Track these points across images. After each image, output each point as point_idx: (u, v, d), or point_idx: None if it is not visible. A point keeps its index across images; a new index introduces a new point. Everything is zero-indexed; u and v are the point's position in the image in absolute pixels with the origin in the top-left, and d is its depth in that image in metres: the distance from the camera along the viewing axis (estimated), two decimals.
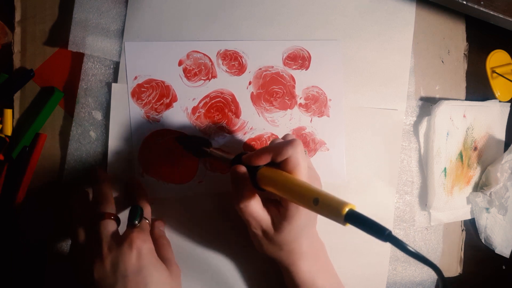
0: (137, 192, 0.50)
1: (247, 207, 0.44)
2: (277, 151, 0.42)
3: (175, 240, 0.53)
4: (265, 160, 0.44)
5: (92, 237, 0.44)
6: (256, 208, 0.44)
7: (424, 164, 0.64)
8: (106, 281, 0.41)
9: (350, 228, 0.58)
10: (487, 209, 0.69)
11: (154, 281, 0.42)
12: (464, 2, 0.60)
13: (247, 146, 0.55)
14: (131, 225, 0.45)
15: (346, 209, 0.34)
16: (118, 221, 0.46)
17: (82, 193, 0.50)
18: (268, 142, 0.55)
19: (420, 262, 0.35)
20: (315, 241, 0.51)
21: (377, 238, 0.33)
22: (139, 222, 0.46)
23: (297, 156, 0.42)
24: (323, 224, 0.54)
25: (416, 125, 0.63)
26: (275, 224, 0.45)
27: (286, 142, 0.42)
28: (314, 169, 0.50)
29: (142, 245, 0.43)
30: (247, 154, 0.46)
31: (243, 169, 0.45)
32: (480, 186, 0.69)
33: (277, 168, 0.43)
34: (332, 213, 0.35)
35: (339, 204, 0.35)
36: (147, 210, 0.49)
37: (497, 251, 0.71)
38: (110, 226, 0.44)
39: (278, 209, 0.45)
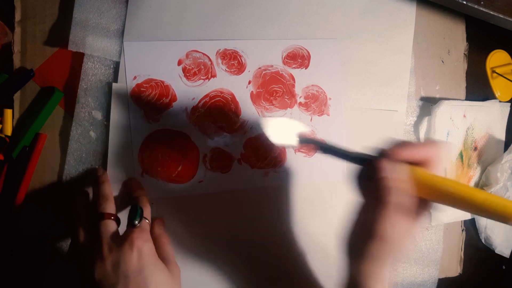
0: (137, 192, 0.50)
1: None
2: (428, 149, 0.39)
3: (175, 240, 0.53)
4: (416, 156, 0.39)
5: (93, 238, 0.44)
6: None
7: None
8: (107, 281, 0.41)
9: None
10: None
11: (155, 281, 0.42)
12: (464, 2, 0.60)
13: (247, 146, 0.55)
14: (131, 225, 0.45)
15: None
16: (118, 221, 0.46)
17: (83, 193, 0.50)
18: (268, 142, 0.55)
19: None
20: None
21: None
22: (139, 222, 0.45)
23: (441, 157, 0.39)
24: (323, 225, 0.54)
25: (417, 125, 0.63)
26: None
27: (433, 143, 0.40)
28: None
29: (143, 245, 0.43)
30: (396, 150, 0.40)
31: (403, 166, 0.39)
32: (480, 186, 0.69)
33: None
34: (500, 215, 0.35)
35: (507, 206, 0.35)
36: (147, 210, 0.49)
37: (497, 251, 0.71)
38: (110, 226, 0.44)
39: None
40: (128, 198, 0.51)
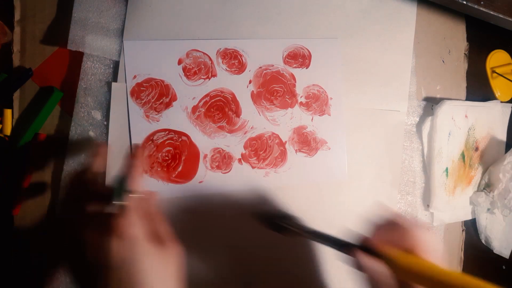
0: (130, 158, 0.44)
1: None
2: (411, 236, 0.39)
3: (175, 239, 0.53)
4: (402, 243, 0.39)
5: (79, 218, 0.40)
6: None
7: (427, 164, 0.63)
8: (91, 266, 0.37)
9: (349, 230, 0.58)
10: (488, 209, 0.69)
11: (143, 269, 0.37)
12: (464, 2, 0.60)
13: (248, 146, 0.55)
14: (117, 205, 0.39)
15: None
16: (106, 201, 0.40)
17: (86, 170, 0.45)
18: (269, 142, 0.55)
19: None
20: None
21: None
22: (125, 201, 0.39)
23: (424, 238, 0.39)
24: (322, 225, 0.54)
25: (419, 125, 0.63)
26: None
27: (413, 223, 0.39)
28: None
29: (129, 230, 0.37)
30: (372, 242, 0.40)
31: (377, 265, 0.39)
32: (482, 187, 0.69)
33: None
34: None
35: None
36: (135, 182, 0.42)
37: (496, 251, 0.71)
38: (95, 206, 0.39)
39: None
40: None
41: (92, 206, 0.40)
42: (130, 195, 0.40)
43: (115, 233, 0.37)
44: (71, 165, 0.50)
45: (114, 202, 0.39)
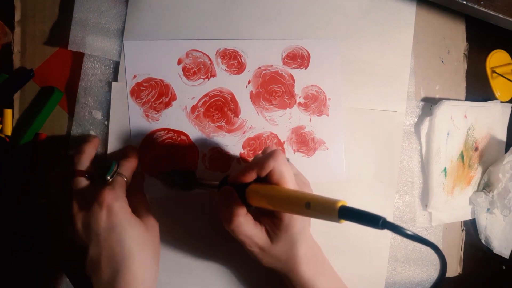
0: (125, 149, 0.51)
1: (239, 227, 0.43)
2: (259, 166, 0.43)
3: (174, 239, 0.53)
4: (250, 177, 0.44)
5: (64, 196, 0.44)
6: (248, 226, 0.44)
7: (425, 164, 0.63)
8: (80, 239, 0.41)
9: (347, 229, 0.58)
10: (488, 209, 0.69)
11: (129, 236, 0.42)
12: (464, 2, 0.60)
13: (246, 146, 0.55)
14: (103, 181, 0.45)
15: (338, 206, 0.34)
16: (92, 179, 0.45)
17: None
18: (267, 142, 0.55)
19: (420, 243, 0.35)
20: (311, 244, 0.50)
21: (373, 227, 0.33)
22: (111, 178, 0.45)
23: (280, 166, 0.42)
24: (320, 226, 0.54)
25: (417, 125, 0.63)
26: (271, 236, 0.45)
27: (267, 155, 0.43)
28: (301, 175, 0.51)
29: (113, 203, 0.42)
30: (232, 175, 0.46)
31: (230, 189, 0.45)
32: (482, 187, 0.69)
33: (264, 183, 0.43)
34: (325, 213, 0.36)
35: (331, 203, 0.35)
36: (128, 167, 0.48)
37: (496, 251, 0.71)
38: (80, 183, 0.44)
39: (272, 220, 0.45)
40: None
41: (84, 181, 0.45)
42: (121, 175, 0.46)
43: (104, 203, 0.42)
44: None
45: (107, 177, 0.45)
